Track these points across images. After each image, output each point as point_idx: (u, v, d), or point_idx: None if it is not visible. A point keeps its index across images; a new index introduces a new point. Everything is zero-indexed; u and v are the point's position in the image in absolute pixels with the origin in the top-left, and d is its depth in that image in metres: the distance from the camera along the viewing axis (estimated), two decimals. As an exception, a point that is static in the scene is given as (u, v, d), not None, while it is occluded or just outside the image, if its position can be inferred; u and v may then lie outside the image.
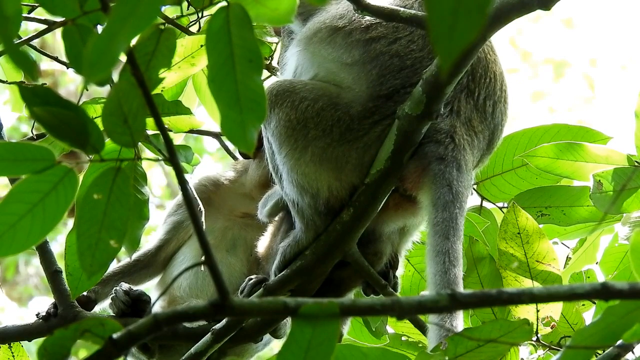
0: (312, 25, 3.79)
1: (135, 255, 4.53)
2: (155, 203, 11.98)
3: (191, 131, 3.99)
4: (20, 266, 12.19)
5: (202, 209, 4.04)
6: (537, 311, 3.92)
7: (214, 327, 3.74)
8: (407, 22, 3.46)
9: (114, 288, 4.24)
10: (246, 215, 4.51)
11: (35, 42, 4.14)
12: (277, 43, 4.38)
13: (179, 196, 4.72)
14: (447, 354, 2.70)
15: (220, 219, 4.46)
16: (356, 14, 3.63)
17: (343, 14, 3.71)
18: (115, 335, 2.17)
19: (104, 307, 4.34)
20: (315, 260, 3.68)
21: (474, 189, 4.24)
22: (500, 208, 4.32)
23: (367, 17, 3.63)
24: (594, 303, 4.06)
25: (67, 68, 4.38)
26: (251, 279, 3.87)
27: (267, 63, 4.40)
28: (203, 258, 2.23)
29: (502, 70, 3.80)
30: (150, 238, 4.63)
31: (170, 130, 3.87)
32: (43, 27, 3.93)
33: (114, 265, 4.55)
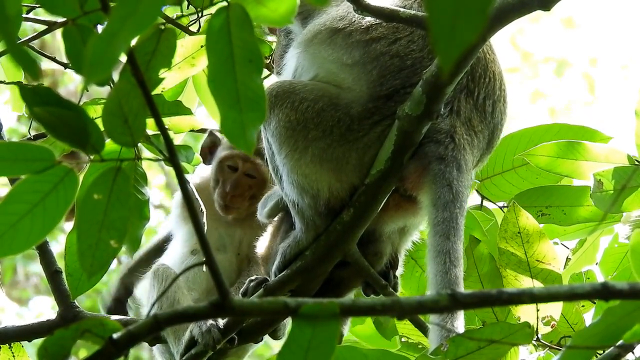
0: (313, 27, 3.79)
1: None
2: (154, 203, 11.99)
3: (192, 130, 3.99)
4: (19, 269, 12.19)
5: (204, 209, 4.04)
6: (537, 310, 3.92)
7: (214, 327, 3.74)
8: (407, 22, 3.46)
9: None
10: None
11: (34, 42, 4.14)
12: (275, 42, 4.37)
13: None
14: (447, 356, 2.70)
15: (206, 220, 4.47)
16: (356, 15, 3.63)
17: (343, 16, 3.71)
18: (115, 335, 2.17)
19: None
20: (315, 261, 3.68)
21: (474, 188, 4.24)
22: (501, 207, 4.32)
23: (367, 18, 3.63)
24: (594, 303, 4.06)
25: (65, 68, 4.38)
26: (252, 280, 3.87)
27: (267, 62, 4.39)
28: (204, 258, 2.23)
29: (501, 69, 3.80)
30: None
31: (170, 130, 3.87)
32: (42, 27, 3.93)
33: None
